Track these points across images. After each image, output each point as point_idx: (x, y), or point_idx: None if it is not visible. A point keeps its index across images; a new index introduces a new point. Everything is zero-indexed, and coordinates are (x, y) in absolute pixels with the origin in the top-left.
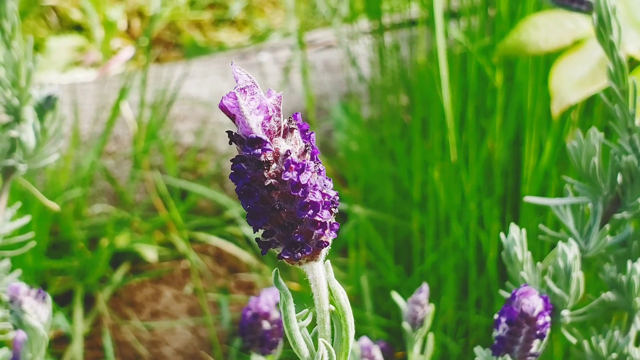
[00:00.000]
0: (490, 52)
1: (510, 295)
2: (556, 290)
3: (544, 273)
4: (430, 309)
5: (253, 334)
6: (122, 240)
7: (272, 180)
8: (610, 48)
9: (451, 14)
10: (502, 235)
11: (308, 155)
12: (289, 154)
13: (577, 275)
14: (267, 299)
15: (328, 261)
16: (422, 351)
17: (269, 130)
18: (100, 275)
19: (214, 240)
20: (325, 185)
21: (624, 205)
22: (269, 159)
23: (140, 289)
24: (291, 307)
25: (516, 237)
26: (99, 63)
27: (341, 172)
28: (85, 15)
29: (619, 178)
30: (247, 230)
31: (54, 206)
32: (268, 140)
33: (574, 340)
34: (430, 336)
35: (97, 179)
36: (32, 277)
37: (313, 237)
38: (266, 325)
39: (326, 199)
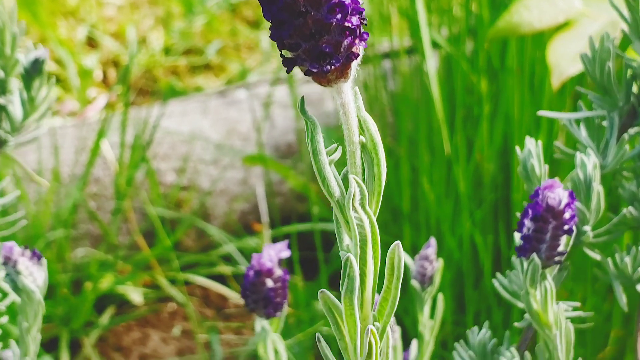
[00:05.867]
0: (474, 59)
1: (533, 192)
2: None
3: None
4: (439, 264)
5: (256, 294)
6: (107, 283)
7: None
8: None
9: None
10: (517, 149)
11: None
12: None
13: (598, 188)
14: (270, 255)
15: (357, 88)
16: (432, 315)
17: None
18: (86, 320)
19: (201, 281)
20: None
21: None
22: None
23: (127, 333)
24: (319, 137)
25: (533, 149)
26: (76, 112)
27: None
28: (61, 66)
29: (634, 88)
30: (241, 267)
31: (44, 183)
32: None
33: (597, 257)
34: (440, 297)
35: (79, 222)
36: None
37: (342, 48)
38: (270, 283)
39: (354, 5)
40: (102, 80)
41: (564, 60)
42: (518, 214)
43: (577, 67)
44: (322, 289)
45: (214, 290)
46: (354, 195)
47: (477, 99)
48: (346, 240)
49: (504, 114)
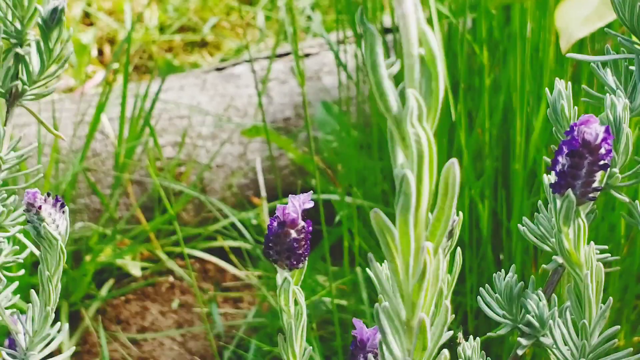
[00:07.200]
0: (476, 30)
1: (568, 129)
2: None
3: None
4: (459, 218)
5: (279, 245)
6: (105, 256)
7: None
8: None
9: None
10: (547, 90)
11: None
12: None
13: (627, 130)
14: (294, 206)
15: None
16: (450, 269)
17: None
18: (85, 292)
19: (199, 254)
20: None
21: None
22: None
23: (125, 306)
24: (379, 49)
25: (563, 90)
26: (73, 88)
27: (330, 170)
28: None
29: None
30: (240, 240)
31: (60, 136)
32: None
33: (626, 200)
34: (459, 252)
35: (78, 195)
36: (19, 291)
37: None
38: (294, 234)
39: None
40: (98, 57)
41: (574, 23)
42: (548, 158)
43: (587, 30)
44: (375, 208)
45: (213, 264)
46: (412, 110)
47: (479, 70)
48: (400, 158)
49: (505, 85)
